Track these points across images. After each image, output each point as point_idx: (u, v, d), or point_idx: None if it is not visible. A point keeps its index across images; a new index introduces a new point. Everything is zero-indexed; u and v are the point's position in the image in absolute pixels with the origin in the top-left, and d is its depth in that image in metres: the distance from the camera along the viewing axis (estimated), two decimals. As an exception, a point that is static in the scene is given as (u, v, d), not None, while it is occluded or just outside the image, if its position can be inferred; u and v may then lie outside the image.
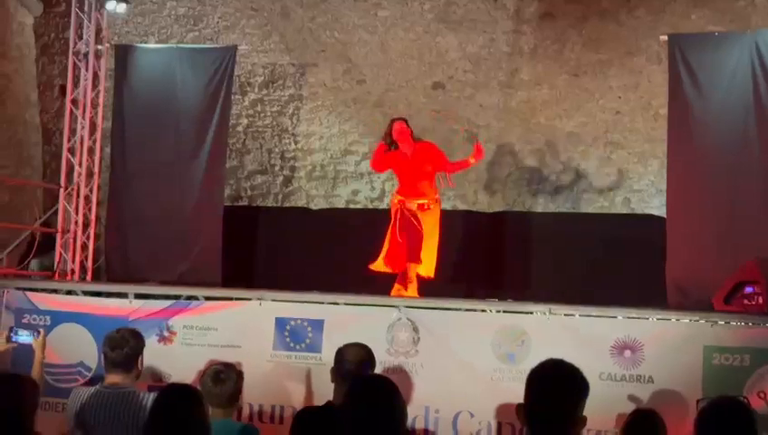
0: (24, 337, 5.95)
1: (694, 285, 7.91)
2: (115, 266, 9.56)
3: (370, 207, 10.74)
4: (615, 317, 6.88)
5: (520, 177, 10.53)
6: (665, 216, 8.55)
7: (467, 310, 7.23)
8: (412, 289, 8.29)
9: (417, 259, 8.26)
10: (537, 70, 10.60)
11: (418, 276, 8.35)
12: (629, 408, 5.98)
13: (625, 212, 10.14)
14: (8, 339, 5.97)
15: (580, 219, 10.07)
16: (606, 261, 9.33)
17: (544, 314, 6.89)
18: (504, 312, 7.13)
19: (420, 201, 8.35)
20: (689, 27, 9.80)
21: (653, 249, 8.51)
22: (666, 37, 8.59)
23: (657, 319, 6.87)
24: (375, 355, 5.14)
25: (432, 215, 8.40)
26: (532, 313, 6.99)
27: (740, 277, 7.26)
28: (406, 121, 8.53)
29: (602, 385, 6.42)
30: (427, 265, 8.33)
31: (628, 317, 6.83)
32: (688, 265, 8.09)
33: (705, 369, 6.47)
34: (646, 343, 6.62)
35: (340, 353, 4.97)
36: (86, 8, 10.01)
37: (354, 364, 4.85)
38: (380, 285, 8.25)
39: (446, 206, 10.33)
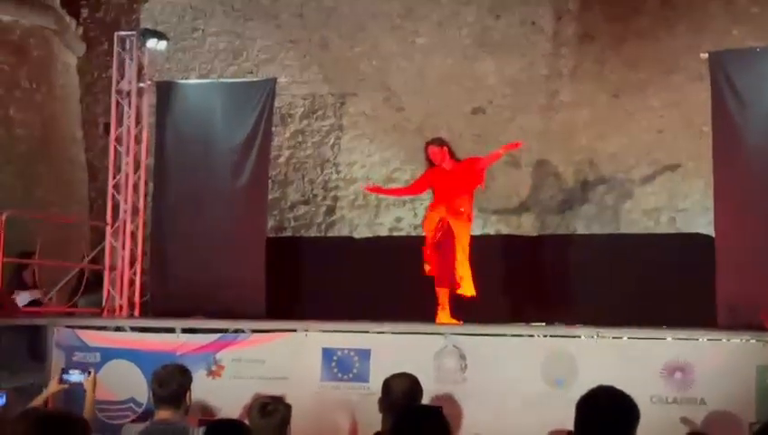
0: (75, 376, 6.02)
1: (745, 304, 7.77)
2: (160, 301, 9.61)
3: (414, 234, 10.71)
4: (664, 339, 6.82)
5: (563, 199, 10.48)
6: (712, 234, 8.44)
7: (514, 335, 7.20)
8: (445, 314, 8.25)
9: (449, 284, 8.24)
10: (577, 91, 10.56)
11: (463, 297, 8.31)
12: (682, 431, 5.90)
13: (671, 232, 10.03)
14: (60, 380, 6.04)
15: (626, 240, 9.98)
16: (654, 282, 9.22)
17: (592, 337, 6.84)
18: (552, 336, 7.09)
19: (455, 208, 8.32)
20: (730, 43, 9.71)
21: (701, 268, 8.40)
22: (706, 55, 8.51)
23: (708, 339, 6.78)
24: (422, 384, 5.12)
25: (465, 225, 8.36)
26: (579, 336, 6.94)
27: (790, 295, 7.16)
28: (440, 141, 8.59)
29: (653, 408, 6.34)
30: (465, 285, 8.28)
31: (678, 338, 6.76)
32: (739, 283, 7.95)
33: (759, 389, 6.37)
34: (696, 364, 6.54)
35: (387, 385, 4.96)
36: (128, 47, 10.14)
37: (401, 395, 4.84)
38: (426, 313, 8.23)
39: (490, 230, 10.36)
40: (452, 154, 8.54)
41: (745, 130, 8.17)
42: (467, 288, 8.24)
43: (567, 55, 10.65)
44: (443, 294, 8.32)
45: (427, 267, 8.30)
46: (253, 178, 9.48)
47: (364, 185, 10.82)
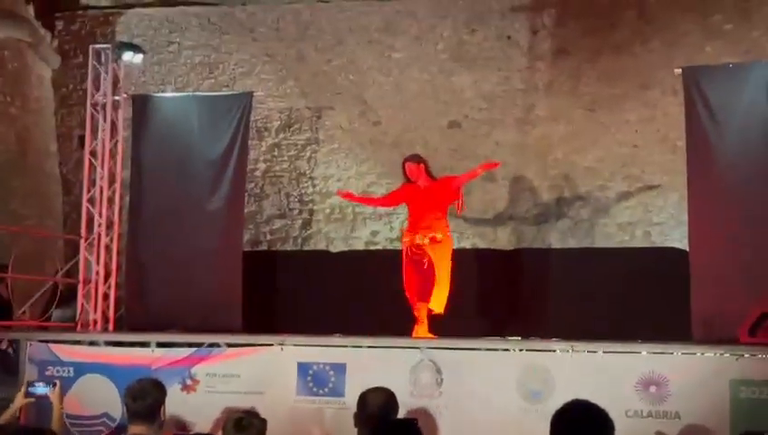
0: (40, 389, 6.00)
1: (719, 318, 7.81)
2: (135, 315, 9.56)
3: (390, 247, 10.73)
4: (639, 353, 6.86)
5: (539, 213, 10.52)
6: (687, 248, 8.50)
7: (490, 349, 7.22)
8: (422, 329, 8.29)
9: (426, 298, 8.27)
10: (553, 106, 10.62)
11: (429, 312, 8.34)
12: (657, 445, 5.93)
13: (646, 246, 10.09)
14: (26, 394, 6.01)
15: (601, 254, 10.03)
16: (628, 296, 9.28)
17: (567, 351, 6.86)
18: (527, 350, 7.11)
19: (430, 234, 8.40)
20: (704, 59, 9.80)
21: (676, 282, 8.44)
22: (680, 70, 8.57)
23: (682, 353, 6.83)
24: (398, 398, 5.13)
25: (442, 249, 8.43)
26: (554, 350, 6.97)
27: (763, 308, 7.21)
28: (418, 158, 8.67)
29: (628, 422, 6.39)
30: (436, 300, 8.31)
31: (653, 352, 6.80)
32: (713, 297, 7.98)
33: (733, 403, 6.42)
34: (671, 378, 6.58)
35: (363, 399, 4.96)
36: (103, 60, 10.12)
37: (377, 409, 4.84)
38: (402, 327, 8.23)
39: (465, 244, 10.37)
40: (428, 172, 8.65)
41: (719, 145, 8.23)
42: (437, 304, 8.26)
43: (543, 69, 10.71)
44: (420, 309, 8.34)
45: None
46: (230, 191, 9.46)
47: (340, 199, 10.76)
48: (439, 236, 8.42)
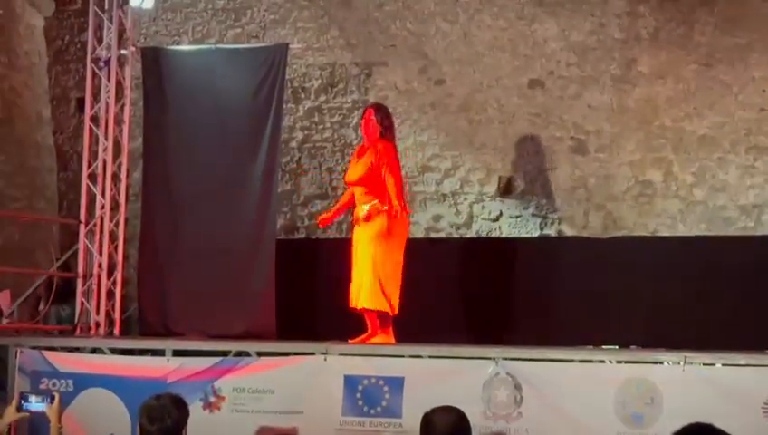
0: (35, 404, 6.09)
1: None
2: (149, 318, 9.67)
3: (455, 235, 10.74)
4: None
5: (641, 192, 10.46)
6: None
7: (582, 361, 7.21)
8: (380, 336, 8.33)
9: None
10: (659, 60, 10.53)
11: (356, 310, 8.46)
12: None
13: (776, 234, 10.02)
14: (18, 408, 6.11)
15: (718, 244, 9.95)
16: (754, 295, 9.21)
17: (678, 363, 6.84)
18: (628, 362, 7.10)
19: (360, 211, 8.55)
20: None
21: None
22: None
23: (823, 366, 6.77)
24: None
25: (372, 228, 8.50)
26: (662, 362, 6.95)
27: None
28: (378, 108, 8.91)
29: (756, 454, 6.36)
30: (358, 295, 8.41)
31: (786, 366, 6.75)
32: None
33: None
34: (810, 398, 6.54)
35: (428, 420, 4.96)
36: (106, 5, 10.17)
37: (445, 433, 4.85)
38: (473, 333, 8.26)
39: (550, 231, 10.35)
40: (384, 131, 8.71)
41: None
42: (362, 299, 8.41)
43: (646, 15, 10.61)
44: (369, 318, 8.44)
45: None
46: (260, 166, 9.52)
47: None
48: (362, 212, 8.52)
